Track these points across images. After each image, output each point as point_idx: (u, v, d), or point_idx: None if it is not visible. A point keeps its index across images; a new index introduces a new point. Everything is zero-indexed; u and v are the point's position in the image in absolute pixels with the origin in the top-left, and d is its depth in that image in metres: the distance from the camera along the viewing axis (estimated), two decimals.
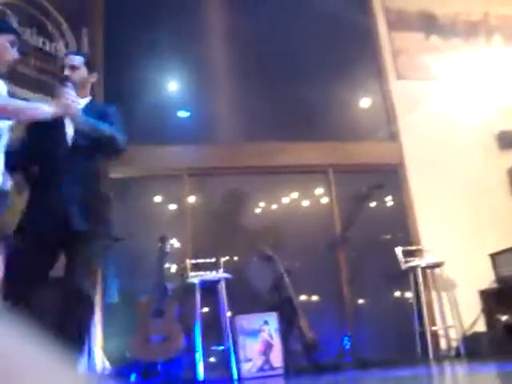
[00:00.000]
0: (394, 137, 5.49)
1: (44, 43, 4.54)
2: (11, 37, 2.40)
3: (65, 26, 4.73)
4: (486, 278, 4.61)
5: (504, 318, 4.06)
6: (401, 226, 5.15)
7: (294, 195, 5.28)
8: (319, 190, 5.36)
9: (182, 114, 5.37)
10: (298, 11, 5.66)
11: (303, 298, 4.67)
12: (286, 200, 5.27)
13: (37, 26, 4.48)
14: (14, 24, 4.30)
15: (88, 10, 5.05)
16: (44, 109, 2.33)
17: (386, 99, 5.68)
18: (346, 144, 5.36)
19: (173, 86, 5.52)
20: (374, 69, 5.82)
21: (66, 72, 2.55)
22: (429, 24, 5.98)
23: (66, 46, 4.71)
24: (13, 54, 2.40)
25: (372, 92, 5.76)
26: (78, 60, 2.64)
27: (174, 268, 4.55)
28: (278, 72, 5.53)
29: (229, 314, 4.12)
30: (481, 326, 4.52)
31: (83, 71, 2.64)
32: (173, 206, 5.01)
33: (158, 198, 5.00)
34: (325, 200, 5.30)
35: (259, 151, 5.16)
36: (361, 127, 5.49)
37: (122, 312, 4.21)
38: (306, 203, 5.29)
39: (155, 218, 4.86)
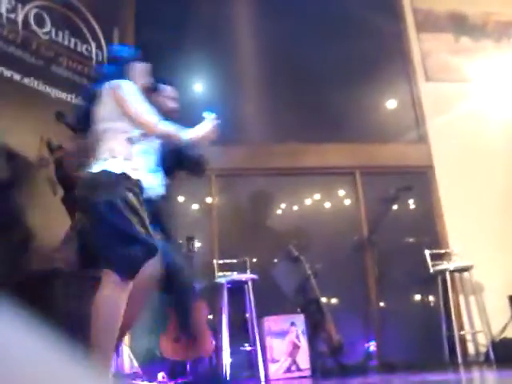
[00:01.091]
0: (422, 139, 5.44)
1: (76, 44, 4.61)
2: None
3: (97, 27, 4.79)
4: None
5: None
6: (429, 229, 5.10)
7: (321, 196, 5.27)
8: (346, 192, 5.34)
9: (210, 114, 5.39)
10: (326, 13, 5.63)
11: (329, 299, 4.65)
12: (312, 201, 5.26)
13: (70, 28, 4.56)
14: (48, 26, 4.39)
15: (119, 11, 5.12)
16: (188, 135, 2.62)
17: (414, 101, 5.63)
18: (374, 146, 5.33)
19: (201, 87, 5.56)
20: (403, 70, 5.77)
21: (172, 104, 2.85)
22: (459, 25, 5.91)
23: (98, 46, 4.78)
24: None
25: (401, 94, 5.71)
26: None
27: (201, 268, 4.58)
28: (305, 73, 5.51)
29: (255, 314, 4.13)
30: (511, 332, 4.45)
31: None
32: (200, 206, 5.04)
33: (185, 198, 5.03)
34: (351, 202, 5.28)
35: (286, 152, 5.16)
36: (389, 129, 5.45)
37: (150, 311, 4.25)
38: (332, 204, 5.28)
39: (183, 218, 4.89)
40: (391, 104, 5.72)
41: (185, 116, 5.16)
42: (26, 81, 4.10)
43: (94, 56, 4.74)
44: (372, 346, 4.25)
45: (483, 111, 5.47)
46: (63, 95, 4.40)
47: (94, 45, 4.75)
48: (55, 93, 4.32)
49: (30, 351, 0.45)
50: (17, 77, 4.03)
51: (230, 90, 5.45)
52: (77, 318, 3.02)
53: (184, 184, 5.06)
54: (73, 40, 4.59)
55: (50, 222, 3.88)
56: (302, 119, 5.33)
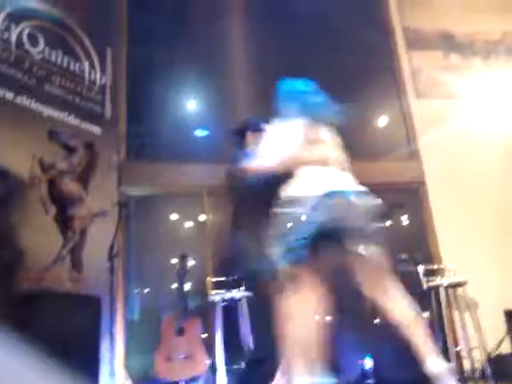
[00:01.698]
0: (414, 155, 5.47)
1: (69, 63, 4.63)
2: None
3: (90, 46, 4.83)
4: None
5: None
6: (422, 245, 5.11)
7: None
8: None
9: (202, 132, 5.41)
10: (318, 31, 5.70)
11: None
12: None
13: (63, 47, 4.58)
14: (41, 45, 4.41)
15: (112, 31, 5.16)
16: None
17: (405, 118, 5.68)
18: (366, 163, 5.34)
19: (193, 105, 5.58)
20: (394, 87, 5.83)
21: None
22: (447, 43, 6.00)
23: (91, 65, 4.80)
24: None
25: (392, 110, 5.77)
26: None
27: (194, 286, 4.55)
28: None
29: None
30: (506, 348, 4.43)
31: None
32: (193, 224, 5.03)
33: (178, 216, 5.02)
34: None
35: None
36: (381, 146, 5.49)
37: (143, 329, 4.21)
38: None
39: (175, 236, 4.88)
40: (382, 121, 5.77)
41: (178, 134, 5.21)
42: (19, 99, 4.10)
43: (86, 75, 4.76)
44: (368, 364, 4.20)
45: (473, 127, 5.53)
46: (55, 114, 4.41)
47: (86, 63, 4.77)
48: (48, 111, 4.32)
49: (15, 370, 0.44)
50: (9, 95, 4.03)
51: (222, 107, 5.47)
52: (65, 337, 2.98)
53: (177, 202, 5.07)
54: (66, 59, 4.61)
55: (42, 240, 3.85)
56: None
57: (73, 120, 4.54)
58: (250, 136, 3.07)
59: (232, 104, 5.47)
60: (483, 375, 4.20)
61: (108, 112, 4.91)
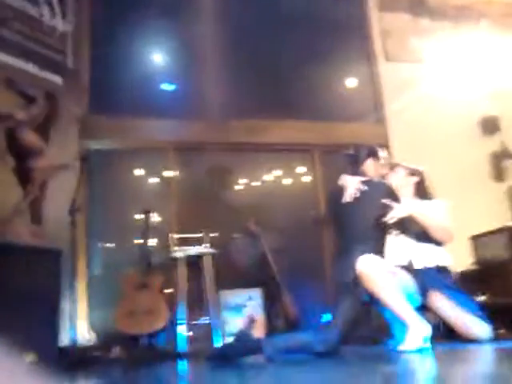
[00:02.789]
0: (380, 119, 5.50)
1: (26, 7, 4.39)
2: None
3: None
4: (466, 261, 4.69)
5: (481, 298, 4.15)
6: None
7: (279, 173, 5.28)
8: (304, 169, 5.36)
9: (169, 87, 5.28)
10: None
11: (286, 274, 4.69)
12: (270, 177, 5.26)
13: None
14: None
15: None
16: None
17: (373, 81, 5.68)
18: (332, 124, 5.36)
19: (159, 58, 5.41)
20: (363, 49, 5.80)
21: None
22: (418, 6, 5.96)
23: (51, 10, 4.56)
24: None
25: (360, 73, 5.75)
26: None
27: (158, 242, 4.52)
28: (265, 50, 5.46)
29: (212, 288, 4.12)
30: None
31: None
32: (157, 180, 4.96)
33: (142, 171, 4.94)
34: (309, 178, 5.32)
35: (245, 128, 5.13)
36: (348, 108, 5.49)
37: (106, 284, 4.18)
38: (290, 181, 5.30)
39: (140, 192, 4.81)
40: (350, 83, 5.76)
41: (143, 88, 5.06)
42: None
43: (46, 20, 4.53)
44: (327, 318, 4.32)
45: (440, 92, 5.58)
46: (13, 61, 4.20)
47: (46, 8, 4.53)
48: (4, 58, 4.11)
49: None
50: None
51: (190, 62, 5.34)
52: (25, 291, 2.94)
53: (142, 157, 4.98)
54: (23, 2, 4.36)
55: (0, 193, 3.73)
56: (261, 96, 5.30)
57: (32, 68, 4.33)
58: (367, 160, 3.09)
59: (200, 58, 5.34)
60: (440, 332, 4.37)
61: (70, 61, 4.72)
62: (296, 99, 5.37)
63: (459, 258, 4.71)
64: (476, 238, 4.50)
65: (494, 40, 5.88)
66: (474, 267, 4.44)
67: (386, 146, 5.33)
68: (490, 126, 5.51)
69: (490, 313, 2.98)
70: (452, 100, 5.59)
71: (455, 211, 4.96)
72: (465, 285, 4.54)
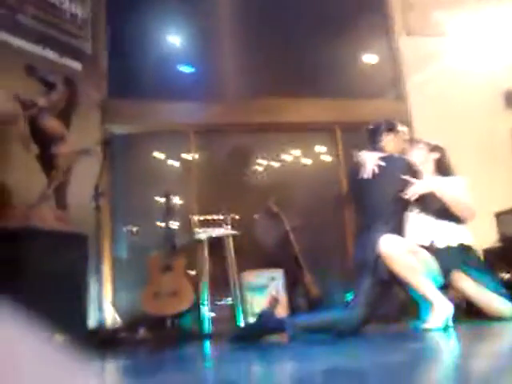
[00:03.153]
0: (401, 95, 5.41)
1: None
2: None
3: None
4: (490, 237, 4.64)
5: (506, 275, 4.11)
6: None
7: (301, 152, 5.26)
8: (325, 148, 5.33)
9: (187, 69, 5.27)
10: None
11: (308, 253, 4.71)
12: (292, 157, 5.25)
13: None
14: None
15: None
16: None
17: (394, 56, 5.57)
18: (353, 102, 5.29)
19: (177, 41, 5.39)
20: (383, 24, 5.68)
21: None
22: None
23: None
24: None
25: (381, 48, 5.64)
26: None
27: (180, 224, 4.58)
28: (283, 28, 5.39)
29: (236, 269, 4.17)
30: None
31: None
32: (178, 163, 4.99)
33: (163, 155, 4.97)
34: (331, 158, 5.28)
35: (264, 108, 5.10)
36: (368, 85, 5.41)
37: (131, 267, 4.27)
38: (312, 160, 5.27)
39: (161, 175, 4.85)
40: (371, 59, 5.65)
41: (162, 71, 5.07)
42: None
43: (64, 6, 4.54)
44: (349, 297, 4.34)
45: (462, 66, 5.45)
46: (33, 47, 4.23)
47: None
48: (24, 45, 4.14)
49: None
50: None
51: (207, 44, 5.31)
52: (53, 275, 3.01)
53: (163, 140, 5.01)
54: None
55: (25, 179, 3.80)
56: (280, 74, 5.25)
57: (52, 55, 4.36)
58: (386, 136, 3.03)
59: (218, 40, 5.30)
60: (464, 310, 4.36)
61: (88, 46, 4.73)
62: (315, 77, 5.31)
63: (483, 236, 4.67)
64: (500, 215, 4.44)
65: None
66: (498, 244, 4.39)
67: (407, 121, 5.26)
68: None
69: None
70: (474, 74, 5.46)
71: (478, 187, 4.91)
72: (489, 262, 4.51)
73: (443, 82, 5.31)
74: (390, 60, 5.61)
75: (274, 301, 4.10)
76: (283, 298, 4.17)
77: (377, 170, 2.82)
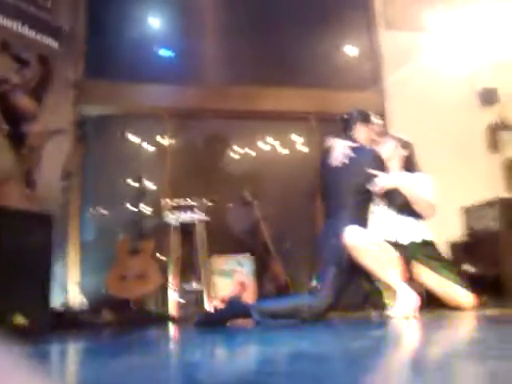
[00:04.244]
0: (379, 88, 5.44)
1: None
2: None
3: None
4: (456, 232, 4.72)
5: (471, 269, 4.20)
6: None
7: (276, 142, 5.27)
8: (301, 138, 5.34)
9: (166, 52, 5.23)
10: None
11: (279, 242, 4.74)
12: (268, 146, 5.25)
13: None
14: None
15: None
16: None
17: (374, 49, 5.59)
18: (332, 93, 5.31)
19: (157, 23, 5.34)
20: (364, 16, 5.69)
21: None
22: None
23: None
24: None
25: (360, 40, 5.65)
26: None
27: (151, 208, 4.57)
28: (263, 16, 5.37)
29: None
30: None
31: None
32: (152, 147, 4.97)
33: (137, 138, 4.94)
34: (307, 148, 5.30)
35: (242, 95, 5.09)
36: (347, 76, 5.43)
37: (98, 249, 4.25)
38: (288, 150, 5.28)
39: (134, 158, 4.82)
40: (350, 51, 5.67)
41: (140, 53, 5.02)
42: None
43: None
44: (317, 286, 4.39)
45: (440, 62, 5.50)
46: (8, 23, 4.15)
47: None
48: None
49: None
50: None
51: (187, 27, 5.26)
52: (18, 254, 2.99)
53: (137, 123, 4.97)
54: None
55: None
56: (259, 62, 5.24)
57: (27, 31, 4.29)
58: (358, 126, 3.04)
59: (197, 23, 5.26)
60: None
61: (66, 24, 4.66)
62: (294, 66, 5.30)
63: (451, 229, 4.75)
64: (468, 210, 4.52)
65: (497, 10, 5.74)
66: (464, 238, 4.48)
67: (383, 115, 5.30)
68: (489, 98, 5.45)
69: (477, 283, 3.04)
70: (452, 71, 5.51)
71: (451, 182, 4.98)
72: (455, 256, 4.60)
73: (421, 77, 5.35)
74: (370, 53, 5.63)
75: (241, 286, 4.13)
76: (251, 283, 4.21)
77: (345, 159, 2.84)
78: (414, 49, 5.44)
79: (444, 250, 4.77)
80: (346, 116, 3.12)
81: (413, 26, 5.63)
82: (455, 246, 4.62)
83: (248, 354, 1.69)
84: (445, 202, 4.82)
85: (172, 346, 2.30)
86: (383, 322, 2.53)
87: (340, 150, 2.87)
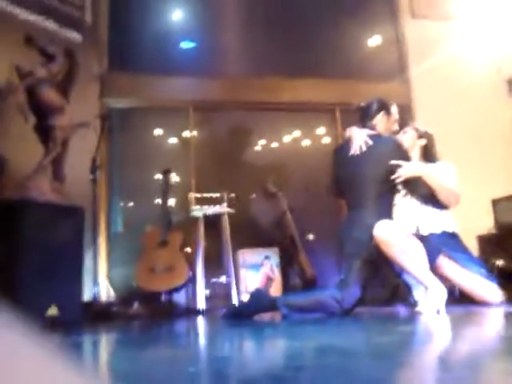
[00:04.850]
0: (404, 77, 5.37)
1: None
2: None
3: None
4: (485, 224, 4.66)
5: (500, 263, 4.14)
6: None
7: (300, 133, 5.23)
8: (325, 129, 5.30)
9: (188, 45, 5.21)
10: None
11: (305, 235, 4.72)
12: (291, 138, 5.22)
13: None
14: None
15: None
16: None
17: (398, 38, 5.51)
18: (356, 83, 5.25)
19: (179, 15, 5.32)
20: (388, 5, 5.61)
21: None
22: None
23: None
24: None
25: (385, 30, 5.58)
26: None
27: (178, 201, 4.57)
28: (286, 6, 5.32)
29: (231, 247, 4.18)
30: None
31: None
32: (177, 139, 4.97)
33: (162, 131, 4.94)
34: (330, 139, 5.26)
35: (267, 87, 5.06)
36: (371, 67, 5.36)
37: (127, 242, 4.27)
38: (311, 142, 5.25)
39: (159, 151, 4.83)
40: (374, 41, 5.59)
41: (163, 45, 5.00)
42: None
43: None
44: (344, 280, 4.37)
45: (466, 51, 5.40)
46: (33, 17, 4.17)
47: None
48: (24, 14, 4.08)
49: None
50: None
51: (208, 20, 5.24)
52: (49, 247, 3.01)
53: (161, 116, 4.97)
54: None
55: (22, 150, 3.78)
56: (282, 53, 5.20)
57: (51, 25, 4.30)
58: (377, 115, 2.95)
59: (220, 16, 5.23)
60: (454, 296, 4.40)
61: (89, 17, 4.66)
62: (318, 57, 5.26)
63: (479, 222, 4.69)
64: (496, 202, 4.45)
65: None
66: (493, 231, 4.41)
67: (409, 105, 5.24)
68: None
69: (505, 277, 2.99)
70: (478, 59, 5.42)
71: (476, 173, 4.92)
72: (483, 249, 4.54)
73: (447, 66, 5.26)
74: (395, 43, 5.55)
75: (268, 279, 4.12)
76: (277, 276, 4.20)
77: (364, 148, 2.78)
78: (440, 38, 5.35)
79: (472, 243, 4.73)
80: (364, 104, 3.05)
81: (438, 15, 5.54)
82: (483, 239, 4.56)
83: (275, 348, 1.68)
84: (473, 195, 4.78)
85: (200, 339, 2.30)
86: (412, 317, 2.50)
87: (360, 138, 2.81)
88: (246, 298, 3.88)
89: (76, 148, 4.13)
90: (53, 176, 3.96)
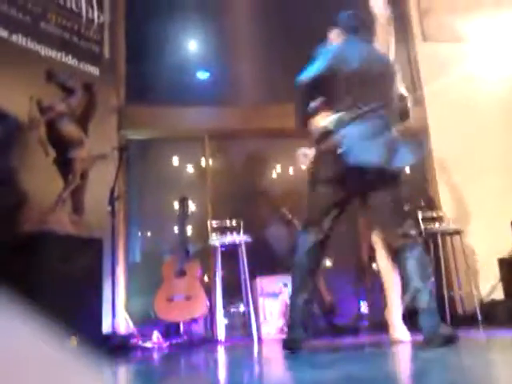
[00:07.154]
0: (418, 100, 5.37)
1: (65, 0, 4.47)
2: None
3: None
4: (507, 247, 4.59)
5: None
6: (422, 192, 5.12)
7: None
8: None
9: (203, 75, 5.31)
10: None
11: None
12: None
13: None
14: None
15: None
16: None
17: (411, 61, 5.53)
18: None
19: (194, 46, 5.43)
20: (400, 29, 5.64)
21: None
22: None
23: (88, 2, 4.63)
24: None
25: (398, 53, 5.58)
26: None
27: (195, 230, 4.60)
28: (301, 34, 5.39)
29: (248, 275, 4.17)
30: (499, 295, 4.53)
31: None
32: (194, 168, 5.02)
33: (178, 160, 5.00)
34: None
35: (281, 114, 5.09)
36: None
37: (145, 272, 4.30)
38: None
39: (176, 180, 4.89)
40: None
41: (178, 76, 5.10)
42: (14, 38, 3.98)
43: (83, 12, 4.60)
44: (363, 307, 4.32)
45: (480, 72, 5.39)
46: (53, 53, 4.30)
47: (83, 1, 4.60)
48: (45, 51, 4.21)
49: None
50: (4, 34, 3.91)
51: (224, 49, 5.34)
52: (68, 279, 3.05)
53: (178, 145, 5.04)
54: None
55: (42, 183, 3.86)
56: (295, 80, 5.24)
57: (70, 60, 4.43)
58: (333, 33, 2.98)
59: (234, 46, 5.33)
60: (475, 319, 4.31)
61: (106, 52, 4.79)
62: None
63: (499, 244, 4.62)
64: None
65: None
66: None
67: (425, 127, 5.22)
68: None
69: None
70: (492, 81, 5.40)
71: (495, 195, 4.86)
72: (503, 272, 4.46)
73: (460, 88, 5.26)
74: (408, 65, 5.57)
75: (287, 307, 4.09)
76: None
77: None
78: (452, 59, 5.36)
79: (493, 265, 4.65)
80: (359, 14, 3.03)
81: (450, 37, 5.55)
82: (505, 263, 4.49)
83: (300, 378, 1.67)
84: (494, 217, 4.73)
85: (220, 369, 2.30)
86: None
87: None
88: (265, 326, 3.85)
89: (95, 180, 4.21)
90: (72, 208, 4.04)
